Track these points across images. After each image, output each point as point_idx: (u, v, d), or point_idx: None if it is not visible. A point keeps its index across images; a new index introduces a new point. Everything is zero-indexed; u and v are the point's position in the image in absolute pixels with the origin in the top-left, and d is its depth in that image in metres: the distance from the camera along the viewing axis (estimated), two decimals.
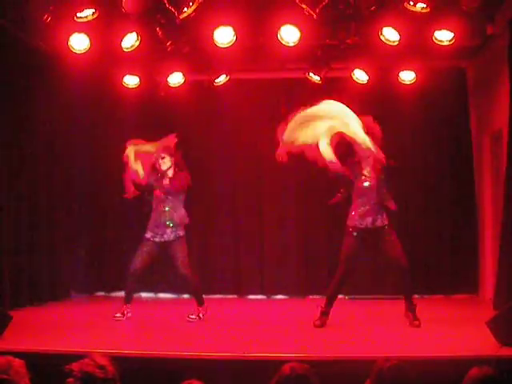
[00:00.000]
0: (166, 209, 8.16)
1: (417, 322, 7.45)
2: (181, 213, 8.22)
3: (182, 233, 8.20)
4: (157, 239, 8.15)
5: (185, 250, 8.20)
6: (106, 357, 3.63)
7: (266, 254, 10.99)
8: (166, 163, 8.23)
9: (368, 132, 7.39)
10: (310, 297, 10.38)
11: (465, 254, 10.46)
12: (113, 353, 4.97)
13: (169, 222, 8.12)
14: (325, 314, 7.63)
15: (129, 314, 8.15)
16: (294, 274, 10.83)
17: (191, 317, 8.09)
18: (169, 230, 8.14)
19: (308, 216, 10.93)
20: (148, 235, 8.19)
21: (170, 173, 8.24)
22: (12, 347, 5.75)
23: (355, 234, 7.58)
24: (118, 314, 8.11)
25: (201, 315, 8.12)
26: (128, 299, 8.23)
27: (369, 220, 7.55)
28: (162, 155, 8.21)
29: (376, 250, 7.93)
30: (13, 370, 3.55)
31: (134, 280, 8.28)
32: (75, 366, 3.54)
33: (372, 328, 7.59)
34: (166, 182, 8.23)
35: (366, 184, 7.58)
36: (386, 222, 7.57)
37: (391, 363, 3.86)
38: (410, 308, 7.56)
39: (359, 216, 7.57)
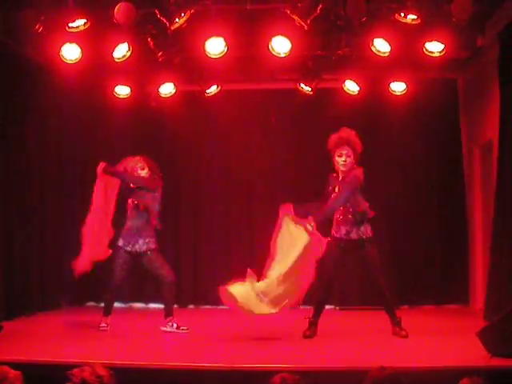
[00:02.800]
0: (139, 215, 8.15)
1: (403, 332, 7.43)
2: (153, 222, 8.20)
3: (153, 245, 8.17)
4: (128, 248, 8.11)
5: (162, 260, 8.18)
6: (105, 368, 3.65)
7: (256, 265, 10.96)
8: (142, 174, 8.19)
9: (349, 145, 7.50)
10: (301, 307, 10.36)
11: (455, 264, 10.48)
12: (104, 363, 4.95)
13: (139, 230, 8.11)
14: (313, 324, 7.63)
15: (109, 326, 8.14)
16: None
17: (183, 328, 8.05)
18: (141, 241, 8.11)
19: None
20: (120, 243, 8.15)
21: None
22: (2, 357, 5.73)
23: (333, 242, 7.59)
24: (103, 324, 8.10)
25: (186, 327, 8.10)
26: (108, 311, 8.21)
27: (343, 231, 7.56)
28: (141, 165, 8.17)
29: (357, 262, 7.94)
30: (7, 381, 3.53)
31: (115, 293, 8.33)
32: (75, 372, 3.55)
33: (363, 338, 7.59)
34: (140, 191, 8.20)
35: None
36: (364, 236, 7.53)
37: (386, 372, 3.86)
38: (395, 322, 7.55)
39: (336, 226, 7.60)
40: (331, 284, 7.76)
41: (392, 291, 7.84)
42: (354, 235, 7.53)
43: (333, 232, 7.61)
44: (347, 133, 7.60)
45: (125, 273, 8.18)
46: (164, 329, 8.08)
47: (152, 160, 8.30)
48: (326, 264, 7.60)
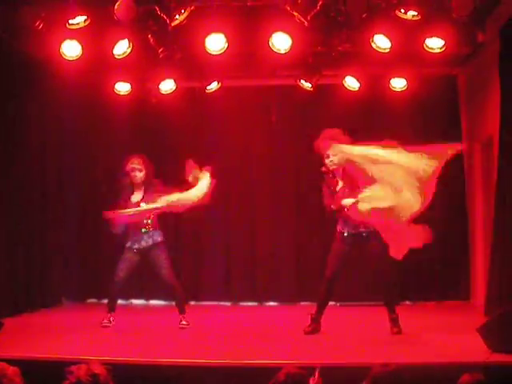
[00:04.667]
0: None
1: (395, 329, 7.42)
2: (154, 219, 8.22)
3: (160, 238, 8.20)
4: (135, 246, 8.14)
5: (167, 257, 8.19)
6: (103, 365, 3.63)
7: (257, 261, 10.99)
8: (140, 176, 8.16)
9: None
10: (302, 303, 10.38)
11: (456, 261, 10.48)
12: (105, 360, 4.96)
13: (144, 229, 8.13)
14: (315, 320, 7.63)
15: (113, 322, 8.15)
16: (286, 280, 10.83)
17: (183, 323, 8.08)
18: (145, 236, 8.14)
19: (300, 222, 10.93)
20: (128, 244, 8.20)
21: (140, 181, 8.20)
22: (3, 354, 5.74)
23: (340, 238, 7.61)
24: (105, 321, 8.11)
25: (186, 322, 8.11)
26: (112, 308, 8.22)
27: (351, 225, 7.57)
28: (139, 167, 8.15)
29: (364, 256, 7.95)
30: (6, 378, 3.53)
31: (118, 289, 8.30)
32: (72, 370, 3.55)
33: (364, 334, 7.60)
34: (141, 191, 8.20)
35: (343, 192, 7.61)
36: (371, 229, 7.57)
37: (388, 368, 3.86)
38: (391, 318, 7.54)
39: (344, 221, 7.60)
40: (334, 281, 7.75)
41: (398, 286, 7.82)
42: (362, 229, 7.54)
43: (340, 229, 7.61)
44: (328, 133, 7.56)
45: (128, 270, 8.17)
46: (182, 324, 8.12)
47: (148, 160, 8.26)
48: (331, 260, 7.61)
